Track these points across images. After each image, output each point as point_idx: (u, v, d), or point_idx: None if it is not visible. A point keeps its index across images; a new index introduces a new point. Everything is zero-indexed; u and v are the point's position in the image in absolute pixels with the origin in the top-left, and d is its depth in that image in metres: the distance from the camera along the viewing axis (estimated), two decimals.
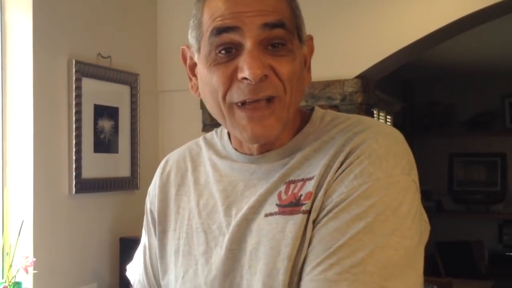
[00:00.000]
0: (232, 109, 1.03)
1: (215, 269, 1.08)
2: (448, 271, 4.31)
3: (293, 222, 1.00)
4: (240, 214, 1.07)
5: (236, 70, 1.00)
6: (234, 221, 1.07)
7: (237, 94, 1.01)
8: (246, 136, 1.04)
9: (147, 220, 1.23)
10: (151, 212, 1.22)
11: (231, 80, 1.01)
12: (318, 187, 1.00)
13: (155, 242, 1.20)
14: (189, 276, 1.13)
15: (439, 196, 5.20)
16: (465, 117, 5.13)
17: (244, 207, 1.07)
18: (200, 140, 1.20)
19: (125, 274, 2.43)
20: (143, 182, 2.69)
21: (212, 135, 1.19)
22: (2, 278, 2.05)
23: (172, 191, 1.19)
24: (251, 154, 1.10)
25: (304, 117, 1.10)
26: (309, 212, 0.99)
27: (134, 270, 1.27)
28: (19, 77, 2.20)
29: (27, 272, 1.99)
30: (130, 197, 2.67)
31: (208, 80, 1.03)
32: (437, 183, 5.21)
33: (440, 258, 4.55)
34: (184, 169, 1.19)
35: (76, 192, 2.32)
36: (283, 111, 1.02)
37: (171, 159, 1.23)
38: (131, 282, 1.28)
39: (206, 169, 1.16)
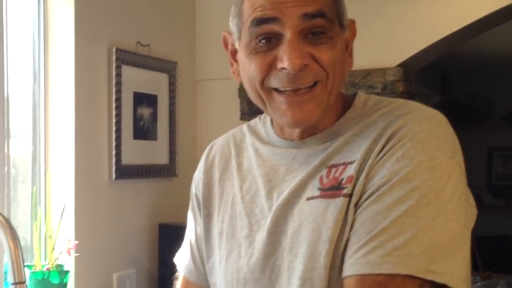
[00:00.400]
0: (271, 94, 1.05)
1: (257, 251, 1.11)
2: (487, 266, 4.28)
3: (334, 205, 1.02)
4: (281, 198, 1.10)
5: (275, 59, 1.02)
6: (275, 205, 1.10)
7: (275, 82, 1.04)
8: (286, 121, 1.07)
9: (192, 205, 1.27)
10: (196, 196, 1.26)
11: (269, 68, 1.03)
12: (360, 170, 1.01)
13: (200, 226, 1.24)
14: (232, 259, 1.17)
15: (477, 191, 5.15)
16: (505, 110, 5.07)
17: (285, 191, 1.10)
18: (244, 126, 1.24)
19: (163, 260, 2.50)
20: (181, 169, 2.74)
21: (256, 121, 1.23)
22: (45, 261, 2.11)
23: (216, 175, 1.23)
24: (292, 140, 1.13)
25: (346, 102, 1.12)
26: (350, 195, 1.01)
27: (181, 256, 1.32)
28: (61, 65, 2.26)
29: (69, 254, 2.05)
30: (168, 184, 2.72)
31: (247, 68, 1.06)
32: (476, 177, 5.16)
33: (479, 253, 4.52)
34: (228, 155, 1.23)
35: (116, 178, 2.37)
36: (323, 96, 1.04)
37: (216, 145, 1.27)
38: (178, 267, 1.32)
39: (249, 154, 1.19)
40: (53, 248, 2.09)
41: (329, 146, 1.08)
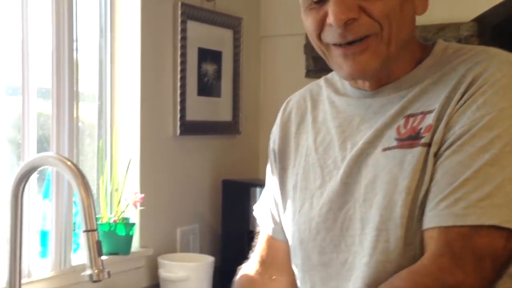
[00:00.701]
0: (329, 48, 1.07)
1: (329, 202, 1.12)
2: None
3: (412, 155, 1.01)
4: (355, 148, 1.10)
5: (326, 15, 1.03)
6: (349, 155, 1.11)
7: (329, 37, 1.05)
8: (342, 74, 1.08)
9: (270, 159, 1.30)
10: (273, 151, 1.29)
11: (322, 24, 1.05)
12: (439, 119, 1.00)
13: (276, 181, 1.27)
14: (304, 210, 1.18)
15: None
16: None
17: (360, 141, 1.10)
18: (321, 80, 1.25)
19: (227, 216, 2.53)
20: (244, 127, 2.75)
21: (333, 74, 1.23)
22: (111, 213, 2.17)
23: (292, 129, 1.26)
24: (366, 90, 1.13)
25: (425, 50, 1.10)
26: (428, 145, 1.00)
27: (261, 210, 1.35)
28: (127, 20, 2.28)
29: (136, 207, 2.10)
30: (232, 141, 2.74)
31: (305, 24, 1.08)
32: None
33: None
34: (304, 108, 1.24)
35: (180, 134, 2.40)
36: (380, 47, 1.03)
37: (293, 100, 1.29)
38: (257, 220, 1.36)
39: (325, 107, 1.20)
40: (119, 201, 2.14)
41: (405, 94, 1.07)
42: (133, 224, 2.16)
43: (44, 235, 1.91)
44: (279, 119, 1.29)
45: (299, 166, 1.22)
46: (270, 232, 1.30)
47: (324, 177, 1.15)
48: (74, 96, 1.87)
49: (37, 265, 1.82)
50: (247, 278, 1.34)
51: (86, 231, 1.38)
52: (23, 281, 1.59)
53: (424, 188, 0.99)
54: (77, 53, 1.92)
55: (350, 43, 1.03)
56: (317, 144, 1.18)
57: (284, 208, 1.24)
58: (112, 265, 1.87)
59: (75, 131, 1.89)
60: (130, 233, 2.14)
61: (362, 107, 1.12)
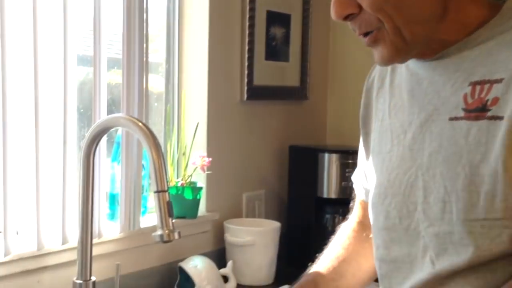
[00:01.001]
0: None
1: (396, 167, 1.13)
2: None
3: (478, 128, 0.99)
4: (423, 114, 1.09)
5: None
6: (416, 120, 1.09)
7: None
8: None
9: (359, 126, 1.33)
10: (360, 117, 1.31)
11: None
12: (508, 92, 0.96)
13: (362, 146, 1.32)
14: (377, 174, 1.20)
15: None
16: None
17: (426, 106, 1.08)
18: None
19: (293, 182, 2.52)
20: (312, 93, 2.73)
21: None
22: (178, 178, 2.19)
23: (374, 94, 1.26)
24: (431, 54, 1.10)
25: (494, 9, 1.05)
26: (494, 118, 0.97)
27: (355, 174, 1.41)
28: None
29: (203, 171, 2.11)
30: (299, 107, 2.72)
31: None
32: None
33: None
34: (385, 73, 1.24)
35: (247, 98, 2.40)
36: (392, 38, 1.01)
37: (377, 65, 1.27)
38: (354, 186, 1.42)
39: (401, 69, 1.19)
40: (186, 165, 2.15)
41: (469, 55, 1.04)
42: (201, 188, 2.17)
43: (112, 198, 1.95)
44: (364, 85, 1.31)
45: (376, 131, 1.23)
46: (362, 197, 1.38)
47: (392, 141, 1.15)
48: (143, 66, 1.89)
49: (107, 227, 1.85)
50: (345, 235, 1.42)
51: (157, 191, 1.40)
52: (93, 241, 1.63)
53: (488, 163, 0.97)
54: (147, 24, 1.92)
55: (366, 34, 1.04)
56: (390, 108, 1.18)
57: (367, 173, 1.28)
58: (179, 229, 1.84)
59: (144, 100, 1.91)
60: (198, 197, 2.16)
61: (429, 69, 1.10)
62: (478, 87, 1.01)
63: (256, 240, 2.23)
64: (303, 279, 1.40)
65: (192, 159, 2.14)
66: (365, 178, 1.32)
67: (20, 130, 1.63)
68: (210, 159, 2.12)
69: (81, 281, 1.60)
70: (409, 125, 1.11)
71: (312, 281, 1.38)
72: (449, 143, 1.02)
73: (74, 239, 1.68)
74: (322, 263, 1.41)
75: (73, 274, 1.62)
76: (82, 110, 1.93)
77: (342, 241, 1.42)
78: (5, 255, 1.55)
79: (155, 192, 1.40)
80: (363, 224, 1.38)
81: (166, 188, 1.40)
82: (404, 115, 1.13)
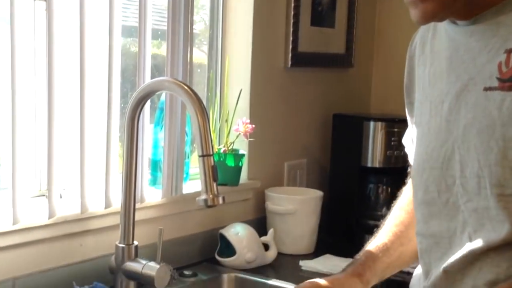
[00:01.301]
0: None
1: (433, 139, 1.10)
2: None
3: (511, 100, 0.96)
4: (459, 84, 1.05)
5: None
6: (453, 89, 1.06)
7: None
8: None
9: (404, 95, 1.30)
10: (404, 86, 1.28)
11: None
12: None
13: (408, 115, 1.29)
14: (417, 147, 1.17)
15: None
16: None
17: (463, 74, 1.05)
18: None
19: (336, 151, 2.50)
20: (358, 60, 2.69)
21: None
22: (220, 145, 2.18)
23: (416, 62, 1.23)
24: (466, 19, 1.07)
25: None
26: None
27: (406, 143, 1.38)
28: None
29: (246, 137, 2.10)
30: (344, 74, 2.68)
31: None
32: None
33: None
34: (426, 39, 1.20)
35: (291, 65, 2.37)
36: None
37: (419, 32, 1.25)
38: (406, 150, 1.38)
39: (441, 35, 1.15)
40: (229, 132, 2.14)
41: (504, 20, 1.00)
42: (243, 155, 2.16)
43: (154, 164, 1.95)
44: (407, 53, 1.27)
45: (417, 101, 1.20)
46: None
47: (431, 111, 1.12)
48: (188, 36, 1.87)
49: (149, 192, 1.86)
50: (406, 199, 1.38)
51: (202, 155, 1.39)
52: (136, 206, 1.63)
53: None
54: None
55: None
56: (430, 76, 1.15)
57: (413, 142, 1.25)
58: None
59: (188, 68, 1.89)
60: (240, 164, 2.15)
61: (466, 34, 1.06)
62: None
63: (298, 209, 2.21)
64: (372, 243, 1.38)
65: (234, 126, 2.13)
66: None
67: (65, 94, 1.63)
68: (253, 125, 2.10)
69: (123, 245, 1.61)
70: (446, 95, 1.08)
71: (381, 248, 1.36)
72: (483, 115, 1.00)
73: (117, 203, 1.69)
74: (388, 228, 1.39)
75: (115, 238, 1.64)
76: (126, 76, 1.92)
77: (405, 205, 1.39)
78: (49, 217, 1.56)
79: (200, 156, 1.39)
80: None
81: (211, 152, 1.40)
82: (442, 84, 1.10)
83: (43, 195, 1.69)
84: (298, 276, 1.99)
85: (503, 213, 0.98)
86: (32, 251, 1.57)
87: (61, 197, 1.65)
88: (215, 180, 1.41)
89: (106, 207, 1.69)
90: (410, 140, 1.32)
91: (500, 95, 0.98)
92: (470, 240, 1.04)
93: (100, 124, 1.68)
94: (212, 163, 1.40)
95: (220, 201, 1.42)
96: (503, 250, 1.00)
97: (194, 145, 1.87)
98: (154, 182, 1.95)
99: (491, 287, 1.02)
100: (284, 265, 2.12)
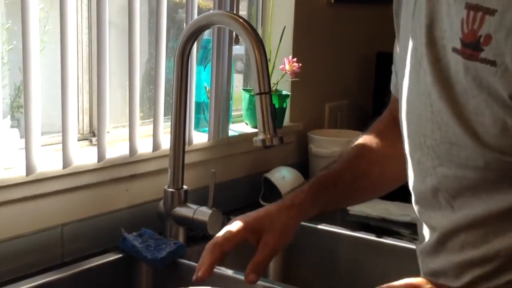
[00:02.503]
0: None
1: (412, 86, 1.02)
2: None
3: (472, 72, 0.86)
4: (427, 30, 0.94)
5: None
6: (423, 38, 0.95)
7: None
8: None
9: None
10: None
11: None
12: (500, 30, 0.81)
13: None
14: (399, 90, 1.08)
15: None
16: None
17: (437, 23, 0.93)
18: None
19: (379, 92, 2.41)
20: None
21: None
22: None
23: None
24: None
25: None
26: (486, 62, 0.83)
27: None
28: None
29: (292, 77, 2.02)
30: (390, 11, 2.58)
31: None
32: None
33: None
34: None
35: (335, 1, 2.29)
36: None
37: None
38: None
39: None
40: (272, 71, 2.07)
41: None
42: (287, 96, 2.10)
43: (197, 106, 1.89)
44: None
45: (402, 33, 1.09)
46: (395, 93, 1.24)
47: (411, 52, 1.00)
48: None
49: (196, 134, 1.81)
50: (373, 135, 1.33)
51: (260, 93, 1.33)
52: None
53: (481, 113, 0.87)
54: None
55: None
56: (415, 9, 1.00)
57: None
58: None
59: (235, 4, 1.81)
60: (284, 105, 2.09)
61: None
62: (471, 14, 0.85)
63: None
64: (322, 172, 1.31)
65: (279, 65, 2.05)
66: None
67: (113, 33, 1.57)
68: (300, 64, 2.03)
69: (172, 190, 1.57)
70: (421, 37, 0.96)
71: (332, 177, 1.29)
72: (450, 79, 0.90)
73: (165, 146, 1.64)
74: (347, 160, 1.31)
75: (163, 182, 1.59)
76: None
77: (370, 141, 1.31)
78: (98, 160, 1.51)
79: (257, 94, 1.33)
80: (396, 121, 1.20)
81: (268, 90, 1.33)
82: (420, 22, 0.96)
83: (86, 139, 1.64)
84: (346, 220, 1.95)
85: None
86: (80, 197, 1.52)
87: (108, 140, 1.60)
88: (273, 119, 1.35)
89: (154, 150, 1.64)
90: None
91: (463, 62, 0.87)
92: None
93: (148, 64, 1.62)
94: (270, 101, 1.34)
95: (278, 141, 1.37)
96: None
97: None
98: (197, 125, 1.89)
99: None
100: None
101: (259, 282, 1.36)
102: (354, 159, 1.31)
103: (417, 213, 1.08)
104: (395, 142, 1.19)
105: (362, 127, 2.42)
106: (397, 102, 1.13)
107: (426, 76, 0.95)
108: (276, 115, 1.37)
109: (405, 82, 1.02)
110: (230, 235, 1.18)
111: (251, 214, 1.23)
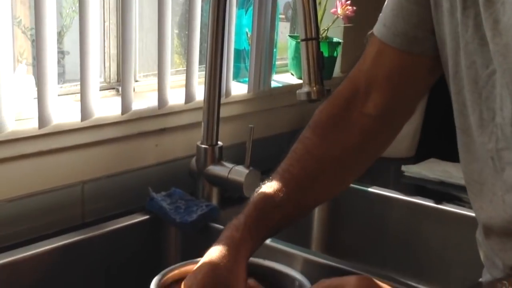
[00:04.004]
0: None
1: (474, 50, 0.88)
2: None
3: None
4: None
5: None
6: None
7: None
8: None
9: None
10: None
11: None
12: None
13: None
14: (448, 49, 0.94)
15: None
16: None
17: None
18: None
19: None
20: None
21: None
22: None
23: None
24: None
25: None
26: None
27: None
28: None
29: (345, 21, 1.86)
30: None
31: None
32: None
33: None
34: None
35: None
36: None
37: None
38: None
39: None
40: (322, 16, 1.91)
41: None
42: (339, 43, 1.94)
43: (237, 54, 1.74)
44: None
45: None
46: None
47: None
48: None
49: (235, 85, 1.67)
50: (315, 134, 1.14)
51: (305, 39, 1.19)
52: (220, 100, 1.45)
53: None
54: None
55: None
56: None
57: None
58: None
59: None
60: (335, 54, 1.93)
61: None
62: None
63: None
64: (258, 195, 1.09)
65: (330, 8, 1.89)
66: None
67: None
68: (354, 7, 1.86)
69: (206, 146, 1.45)
70: None
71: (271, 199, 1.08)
72: None
73: (199, 97, 1.51)
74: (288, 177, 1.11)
75: (195, 138, 1.47)
76: None
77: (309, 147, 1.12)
78: (123, 113, 1.38)
79: (302, 40, 1.19)
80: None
81: (315, 35, 1.18)
82: None
83: (113, 88, 1.52)
84: (401, 183, 1.81)
85: None
86: (103, 152, 1.40)
87: (134, 90, 1.47)
88: (320, 69, 1.21)
89: (186, 102, 1.51)
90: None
91: None
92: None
93: (183, 6, 1.48)
94: (317, 49, 1.20)
95: (325, 94, 1.23)
96: None
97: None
98: (236, 74, 1.76)
99: None
100: (384, 170, 1.92)
101: (300, 253, 1.24)
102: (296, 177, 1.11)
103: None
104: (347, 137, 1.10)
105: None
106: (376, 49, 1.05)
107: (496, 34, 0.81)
108: (324, 64, 1.21)
109: (460, 39, 0.88)
110: None
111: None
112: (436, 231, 1.64)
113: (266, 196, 1.07)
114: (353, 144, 1.11)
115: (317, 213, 1.79)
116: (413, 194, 1.69)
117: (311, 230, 1.80)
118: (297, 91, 1.21)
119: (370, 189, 1.71)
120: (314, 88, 1.20)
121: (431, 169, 1.86)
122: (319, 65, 1.20)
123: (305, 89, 1.20)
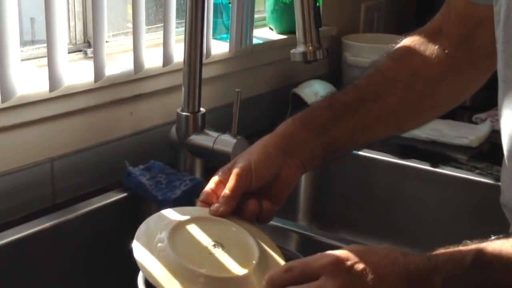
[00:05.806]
0: None
1: None
2: None
3: None
4: None
5: None
6: None
7: None
8: None
9: None
10: None
11: None
12: None
13: None
14: None
15: None
16: None
17: None
18: None
19: None
20: None
21: None
22: None
23: None
24: None
25: None
26: None
27: None
28: None
29: None
30: None
31: None
32: None
33: None
34: None
35: None
36: None
37: None
38: None
39: None
40: None
41: None
42: None
43: (215, 8, 1.61)
44: None
45: None
46: None
47: None
48: None
49: (215, 44, 1.54)
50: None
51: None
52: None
53: None
54: None
55: None
56: None
57: None
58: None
59: None
60: (317, 3, 1.81)
61: None
62: None
63: None
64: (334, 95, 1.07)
65: None
66: None
67: None
68: None
69: (187, 113, 1.33)
70: None
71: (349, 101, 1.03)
72: None
73: (178, 58, 1.38)
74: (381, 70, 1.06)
75: (175, 104, 1.35)
76: None
77: (415, 43, 1.06)
78: (95, 80, 1.25)
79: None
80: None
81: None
82: None
83: (80, 50, 1.38)
84: (390, 143, 1.72)
85: None
86: (73, 124, 1.28)
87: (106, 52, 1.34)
88: (317, 26, 1.10)
89: (164, 65, 1.38)
90: None
91: None
92: None
93: None
94: (314, 3, 1.09)
95: (323, 55, 1.12)
96: None
97: None
98: (213, 31, 1.63)
99: None
100: None
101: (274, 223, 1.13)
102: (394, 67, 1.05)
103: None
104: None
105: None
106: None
107: None
108: (321, 20, 1.10)
109: None
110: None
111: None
112: (430, 195, 1.57)
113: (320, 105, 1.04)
114: (428, 73, 1.04)
115: (304, 179, 1.69)
116: (402, 155, 1.61)
117: (298, 198, 1.71)
118: (292, 51, 1.11)
119: (360, 152, 1.61)
120: (311, 48, 1.09)
121: (421, 128, 1.77)
122: (316, 22, 1.09)
123: (300, 48, 1.10)
